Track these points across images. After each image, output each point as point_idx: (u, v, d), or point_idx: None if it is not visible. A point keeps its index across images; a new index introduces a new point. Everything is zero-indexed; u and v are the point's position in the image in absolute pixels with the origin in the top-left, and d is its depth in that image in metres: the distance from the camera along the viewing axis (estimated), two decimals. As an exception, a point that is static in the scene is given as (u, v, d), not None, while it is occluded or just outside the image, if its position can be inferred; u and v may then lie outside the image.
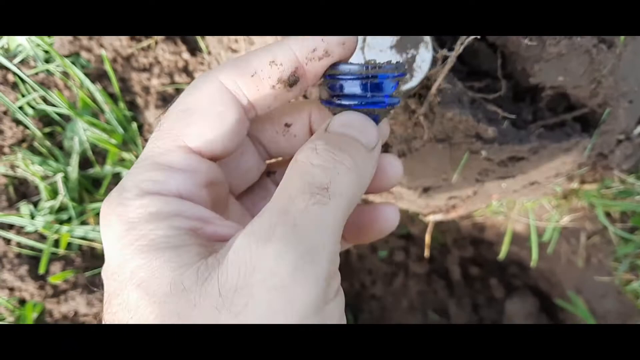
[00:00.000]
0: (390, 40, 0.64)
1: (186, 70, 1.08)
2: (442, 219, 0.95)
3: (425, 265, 1.34)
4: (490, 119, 0.75)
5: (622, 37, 0.70)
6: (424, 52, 0.65)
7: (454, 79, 0.72)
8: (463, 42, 0.64)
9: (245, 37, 0.77)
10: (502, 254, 1.06)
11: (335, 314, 0.36)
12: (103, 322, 0.38)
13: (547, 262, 1.20)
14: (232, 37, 0.80)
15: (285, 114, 0.50)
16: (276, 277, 0.33)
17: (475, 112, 0.73)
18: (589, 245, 1.05)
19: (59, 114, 1.09)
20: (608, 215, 1.00)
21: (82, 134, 1.05)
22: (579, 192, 0.93)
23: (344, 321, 0.38)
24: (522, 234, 1.17)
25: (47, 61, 1.18)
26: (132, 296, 0.36)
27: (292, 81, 0.43)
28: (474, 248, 1.36)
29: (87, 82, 1.08)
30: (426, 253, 1.11)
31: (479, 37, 0.77)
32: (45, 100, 1.09)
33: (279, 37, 0.56)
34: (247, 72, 0.41)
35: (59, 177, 1.02)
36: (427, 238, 1.04)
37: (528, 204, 0.98)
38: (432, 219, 0.94)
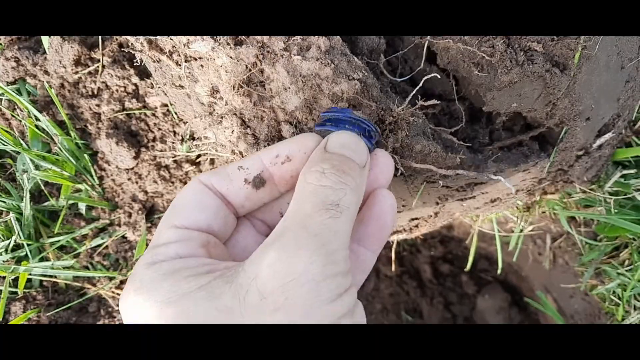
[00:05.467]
0: None
1: (136, 95, 1.04)
2: (406, 237, 0.94)
3: (396, 267, 1.34)
4: (446, 145, 0.73)
5: (576, 59, 0.68)
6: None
7: (417, 110, 0.69)
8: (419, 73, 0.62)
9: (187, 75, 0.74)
10: (469, 265, 1.05)
11: (351, 302, 0.47)
12: None
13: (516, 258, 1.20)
14: (176, 74, 0.76)
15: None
16: (309, 275, 0.43)
17: (438, 142, 0.71)
18: (555, 247, 1.05)
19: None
20: (573, 219, 1.00)
21: (32, 169, 1.01)
22: (541, 202, 0.92)
23: (360, 306, 0.49)
24: (489, 231, 1.17)
25: (-10, 89, 1.12)
26: None
27: (257, 183, 0.55)
28: (444, 246, 1.36)
29: (35, 111, 1.04)
30: (393, 268, 1.11)
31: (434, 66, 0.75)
32: (-10, 135, 1.04)
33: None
34: (221, 173, 0.55)
35: (11, 216, 0.99)
36: (392, 255, 1.03)
37: (491, 215, 0.98)
38: (395, 238, 0.93)
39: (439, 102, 0.65)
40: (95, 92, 1.06)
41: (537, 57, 0.67)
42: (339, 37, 0.69)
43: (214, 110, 0.75)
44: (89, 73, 1.06)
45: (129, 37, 0.76)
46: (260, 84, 0.71)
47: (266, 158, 0.54)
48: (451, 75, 0.75)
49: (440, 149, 0.69)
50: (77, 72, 1.05)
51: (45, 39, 1.07)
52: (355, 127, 0.60)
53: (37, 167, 1.04)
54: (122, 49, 1.05)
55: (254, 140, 0.73)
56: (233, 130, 0.74)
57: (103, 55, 1.04)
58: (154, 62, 0.77)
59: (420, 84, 0.64)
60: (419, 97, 0.68)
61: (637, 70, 0.78)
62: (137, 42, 0.75)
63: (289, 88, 0.69)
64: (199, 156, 1.05)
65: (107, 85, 1.05)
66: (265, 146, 0.72)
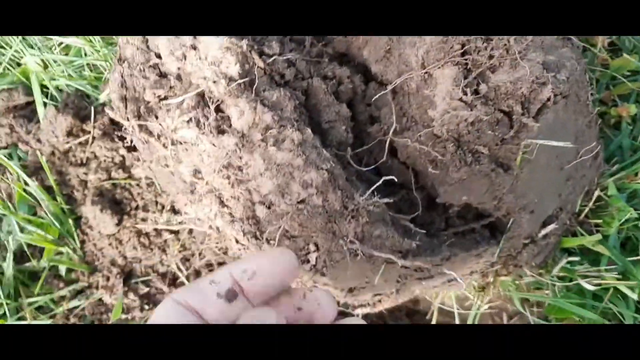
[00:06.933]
0: None
1: (123, 166, 1.11)
2: (370, 312, 1.00)
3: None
4: (405, 230, 0.81)
5: (517, 161, 0.77)
6: None
7: (378, 200, 0.77)
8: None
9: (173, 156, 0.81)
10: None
11: None
12: None
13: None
14: (162, 154, 0.84)
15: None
16: None
17: (397, 228, 0.79)
18: (510, 325, 1.12)
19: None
20: (526, 299, 1.07)
21: (17, 231, 1.06)
22: (495, 282, 1.00)
23: None
24: (449, 308, 1.23)
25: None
26: None
27: (229, 296, 0.52)
28: (409, 319, 1.41)
29: (24, 176, 1.10)
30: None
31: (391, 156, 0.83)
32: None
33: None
34: (194, 289, 0.52)
35: (-6, 278, 1.03)
36: (357, 327, 1.08)
37: (450, 292, 1.04)
38: (360, 312, 0.99)
39: (391, 200, 0.74)
40: (84, 161, 1.13)
41: (483, 159, 0.76)
42: (310, 130, 0.77)
43: (195, 189, 0.82)
44: (79, 143, 1.13)
45: (121, 120, 0.83)
46: (239, 168, 0.78)
47: (235, 272, 0.53)
48: (410, 167, 0.83)
49: (397, 235, 0.77)
50: (68, 142, 1.12)
51: (40, 110, 1.15)
52: None
53: (22, 230, 1.09)
54: (113, 123, 1.13)
55: (231, 219, 0.80)
56: (211, 209, 0.81)
57: (94, 127, 1.12)
58: (143, 143, 0.84)
59: (380, 182, 0.73)
60: (374, 192, 0.77)
61: (577, 170, 0.88)
62: (129, 126, 0.83)
63: (264, 174, 0.76)
64: (179, 223, 1.11)
65: (95, 156, 1.12)
66: (241, 225, 0.79)
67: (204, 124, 0.78)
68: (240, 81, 0.77)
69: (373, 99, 0.83)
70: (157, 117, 0.82)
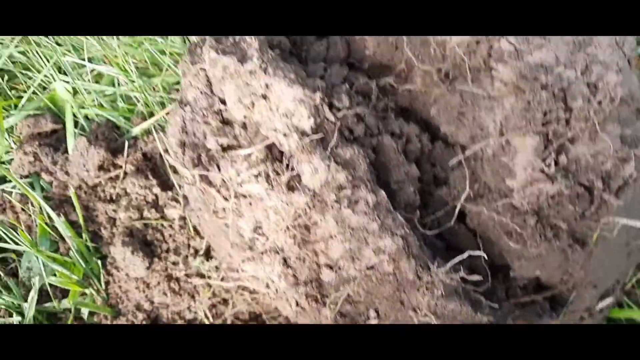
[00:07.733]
0: None
1: (155, 205, 1.06)
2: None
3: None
4: (474, 303, 0.78)
5: (594, 238, 0.75)
6: None
7: (453, 272, 0.74)
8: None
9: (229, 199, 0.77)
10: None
11: None
12: None
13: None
14: (220, 206, 0.80)
15: None
16: None
17: (469, 301, 0.76)
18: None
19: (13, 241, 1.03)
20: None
21: (41, 269, 1.00)
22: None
23: None
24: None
25: (2, 180, 1.12)
26: None
27: None
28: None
29: (49, 209, 1.04)
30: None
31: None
32: None
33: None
34: None
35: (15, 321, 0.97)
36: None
37: None
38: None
39: (481, 277, 0.71)
40: (114, 197, 1.07)
41: (562, 234, 0.74)
42: (384, 192, 0.74)
43: (254, 245, 0.78)
44: (110, 178, 1.08)
45: (179, 167, 0.79)
46: (306, 228, 0.75)
47: None
48: (478, 235, 0.80)
49: (470, 310, 0.74)
50: (98, 177, 1.07)
51: (70, 140, 1.10)
52: None
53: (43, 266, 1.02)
54: (146, 159, 1.09)
55: (295, 281, 0.76)
56: (273, 269, 0.76)
57: (126, 162, 1.07)
58: (202, 193, 0.80)
59: (465, 255, 0.70)
60: (461, 267, 0.74)
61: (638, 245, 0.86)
62: (189, 175, 0.78)
63: (336, 237, 0.73)
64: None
65: (126, 192, 1.07)
66: (305, 289, 0.75)
67: (274, 180, 0.74)
68: (314, 137, 0.74)
69: (450, 163, 0.81)
70: (219, 168, 0.78)
